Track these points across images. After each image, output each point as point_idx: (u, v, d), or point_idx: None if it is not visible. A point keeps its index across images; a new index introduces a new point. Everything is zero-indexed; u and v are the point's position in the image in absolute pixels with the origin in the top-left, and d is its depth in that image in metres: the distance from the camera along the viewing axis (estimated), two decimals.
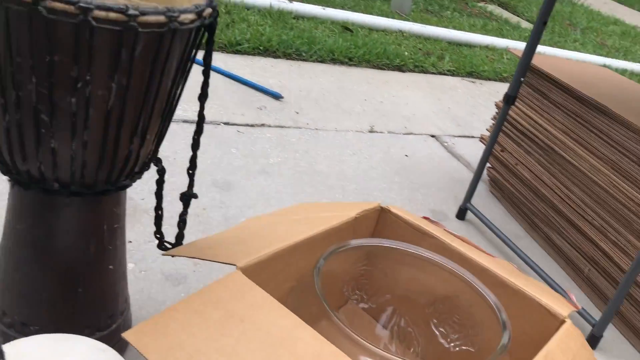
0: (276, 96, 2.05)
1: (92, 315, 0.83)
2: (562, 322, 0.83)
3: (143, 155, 0.75)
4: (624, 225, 1.34)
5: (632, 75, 3.82)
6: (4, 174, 0.73)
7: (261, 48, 2.42)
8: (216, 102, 1.89)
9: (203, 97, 0.78)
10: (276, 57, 2.45)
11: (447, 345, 0.95)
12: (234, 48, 2.36)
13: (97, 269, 0.81)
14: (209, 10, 0.68)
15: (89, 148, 0.67)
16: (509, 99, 1.50)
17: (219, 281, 0.70)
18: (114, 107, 0.66)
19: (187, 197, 0.84)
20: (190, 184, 0.84)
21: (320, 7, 3.08)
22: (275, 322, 0.66)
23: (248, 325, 0.65)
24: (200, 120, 0.79)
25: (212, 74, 2.09)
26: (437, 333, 0.97)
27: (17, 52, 0.60)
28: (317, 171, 1.66)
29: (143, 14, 0.60)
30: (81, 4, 0.57)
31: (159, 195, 0.85)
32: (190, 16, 0.65)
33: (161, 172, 0.83)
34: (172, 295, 1.06)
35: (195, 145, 0.81)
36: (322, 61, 2.55)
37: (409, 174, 1.81)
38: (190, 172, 0.83)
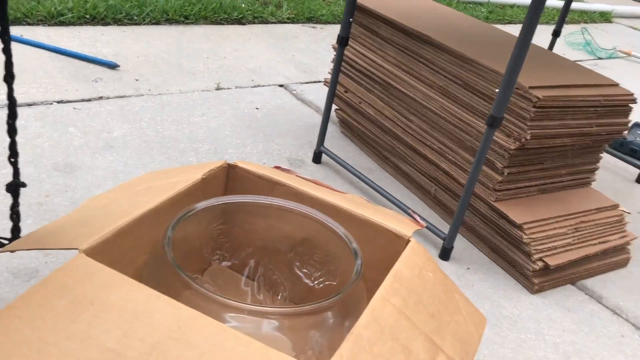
0: (111, 65, 1.95)
1: None
2: (408, 241, 0.89)
3: None
4: (458, 144, 1.46)
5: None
6: None
7: (87, 17, 2.26)
8: (45, 80, 1.76)
9: (9, 77, 0.72)
10: (105, 24, 2.31)
11: (311, 284, 0.99)
12: (56, 20, 2.18)
13: None
14: None
15: None
16: (342, 41, 1.54)
17: (60, 269, 0.66)
18: None
19: (13, 187, 0.78)
20: (15, 173, 0.78)
21: None
22: (128, 298, 0.65)
23: (99, 307, 0.63)
24: (12, 103, 0.73)
25: (36, 50, 1.93)
26: (301, 274, 1.01)
27: None
28: (166, 137, 1.62)
29: None
30: None
31: None
32: None
33: None
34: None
35: (11, 131, 0.75)
36: (157, 23, 2.44)
37: (262, 127, 1.82)
38: (12, 160, 0.77)
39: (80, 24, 2.24)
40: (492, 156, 1.35)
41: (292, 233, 0.99)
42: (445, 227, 1.48)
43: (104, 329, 0.61)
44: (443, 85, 1.48)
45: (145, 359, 0.58)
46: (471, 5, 4.08)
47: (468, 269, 1.38)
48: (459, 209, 1.32)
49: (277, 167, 1.06)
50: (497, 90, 1.28)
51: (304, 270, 1.01)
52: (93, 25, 2.27)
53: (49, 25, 2.15)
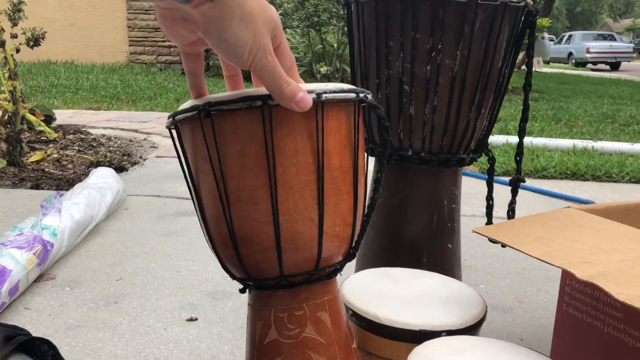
0: (586, 202, 2.03)
1: None
2: None
3: (478, 130, 0.89)
4: None
5: None
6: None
7: (567, 172, 2.46)
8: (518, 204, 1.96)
9: (524, 120, 0.91)
10: (584, 179, 2.44)
11: None
12: (539, 174, 2.44)
13: (437, 243, 0.93)
14: (530, 1, 0.85)
15: (437, 112, 0.85)
16: None
17: (552, 211, 0.75)
18: (457, 75, 0.83)
19: (515, 181, 0.93)
20: (518, 170, 0.93)
21: (627, 143, 3.01)
22: (616, 229, 0.68)
23: (588, 229, 0.68)
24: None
25: (523, 192, 2.19)
26: None
27: (390, 36, 0.84)
28: None
29: None
30: None
31: (489, 183, 0.96)
32: None
33: (491, 160, 0.95)
34: None
35: (521, 132, 0.92)
36: (638, 182, 2.44)
37: None
38: (517, 158, 0.93)
39: (560, 178, 2.44)
40: None
41: None
42: None
43: (592, 237, 0.65)
44: None
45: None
46: None
47: None
48: None
49: None
50: None
51: None
52: (572, 179, 2.44)
53: (533, 178, 2.42)
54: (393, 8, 0.82)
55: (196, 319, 1.03)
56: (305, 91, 0.49)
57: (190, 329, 0.99)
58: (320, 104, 0.50)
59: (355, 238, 0.56)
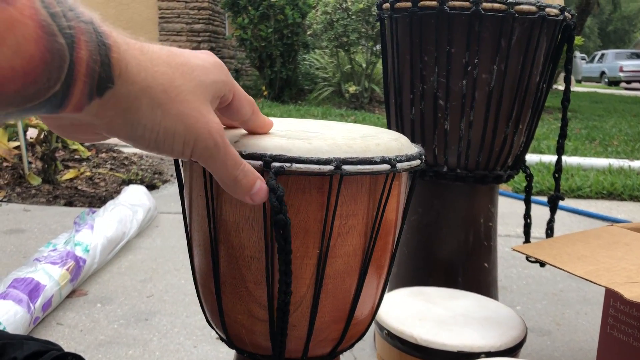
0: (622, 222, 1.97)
1: None
2: None
3: (516, 146, 0.87)
4: None
5: None
6: None
7: (604, 192, 2.39)
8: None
9: (562, 137, 0.88)
10: (621, 199, 2.38)
11: None
12: (574, 193, 2.39)
13: (473, 262, 0.91)
14: (568, 14, 0.83)
15: (473, 127, 0.83)
16: None
17: (594, 229, 0.73)
18: (494, 90, 0.82)
19: (554, 199, 0.90)
20: (557, 187, 0.91)
21: None
22: None
23: (634, 248, 0.65)
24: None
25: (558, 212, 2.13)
26: None
27: (425, 51, 0.83)
28: None
29: (519, 3, 0.78)
30: None
31: (527, 201, 0.93)
32: (555, 10, 0.80)
33: (529, 177, 0.92)
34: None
35: (559, 149, 0.89)
36: None
37: None
38: (556, 175, 0.90)
39: (597, 198, 2.38)
40: None
41: None
42: None
43: (632, 256, 0.62)
44: None
45: None
46: None
47: None
48: None
49: None
50: None
51: None
52: (608, 199, 2.37)
53: (568, 197, 2.37)
54: (428, 22, 0.82)
55: None
56: (262, 179, 0.40)
57: (220, 347, 0.98)
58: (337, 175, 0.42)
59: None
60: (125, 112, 0.33)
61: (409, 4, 0.82)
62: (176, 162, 0.50)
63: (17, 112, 0.29)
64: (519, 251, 0.73)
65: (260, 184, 0.40)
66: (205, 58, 0.37)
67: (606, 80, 16.94)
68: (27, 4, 0.27)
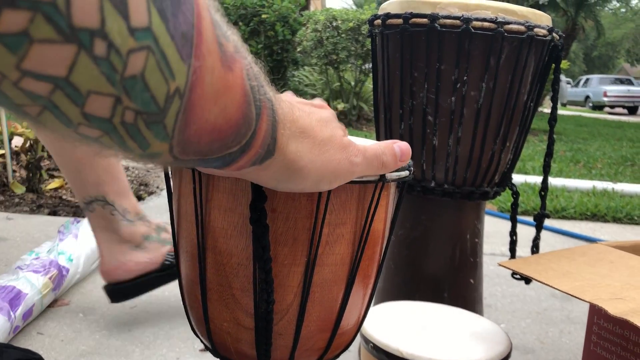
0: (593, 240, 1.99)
1: None
2: None
3: (503, 163, 0.88)
4: None
5: None
6: None
7: (588, 213, 2.42)
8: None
9: (549, 155, 0.90)
10: (605, 221, 2.40)
11: None
12: (559, 214, 2.41)
13: (459, 278, 0.91)
14: (556, 35, 0.85)
15: (461, 144, 0.84)
16: None
17: (580, 247, 0.73)
18: (482, 107, 0.83)
19: (540, 217, 0.91)
20: (543, 205, 0.92)
21: None
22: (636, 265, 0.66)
23: (618, 265, 0.66)
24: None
25: (543, 231, 2.15)
26: None
27: (415, 67, 0.84)
28: None
29: (508, 23, 0.79)
30: (464, 17, 0.79)
31: (513, 218, 0.94)
32: (543, 31, 0.82)
33: (515, 194, 0.93)
34: None
35: (546, 168, 0.91)
36: None
37: None
38: (542, 193, 0.91)
39: (580, 219, 2.40)
40: None
41: None
42: None
43: (622, 273, 0.63)
44: None
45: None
46: None
47: None
48: None
49: None
50: None
51: None
52: (592, 221, 2.40)
53: (553, 218, 2.39)
54: (418, 39, 0.83)
55: None
56: (393, 141, 0.44)
57: (203, 359, 0.97)
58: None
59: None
60: (273, 173, 0.37)
61: (400, 20, 0.83)
62: (165, 168, 0.50)
63: (196, 162, 0.32)
64: (505, 266, 0.74)
65: (393, 148, 0.43)
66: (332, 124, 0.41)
67: (590, 104, 17.21)
68: (240, 74, 0.30)
